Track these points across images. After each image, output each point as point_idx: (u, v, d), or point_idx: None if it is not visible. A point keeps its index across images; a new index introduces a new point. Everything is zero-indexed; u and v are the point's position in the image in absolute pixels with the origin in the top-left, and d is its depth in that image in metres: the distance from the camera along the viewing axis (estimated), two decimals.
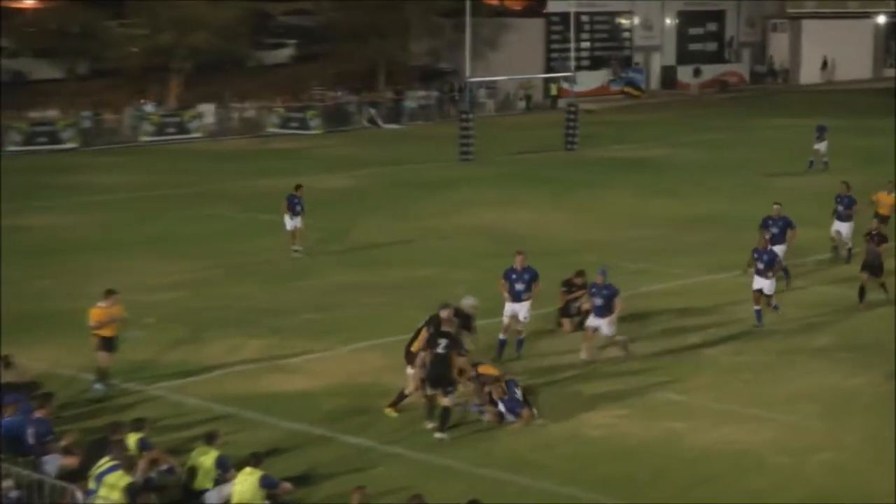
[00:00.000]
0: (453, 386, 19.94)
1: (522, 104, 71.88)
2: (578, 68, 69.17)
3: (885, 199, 32.32)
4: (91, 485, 16.11)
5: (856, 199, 31.37)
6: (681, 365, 23.44)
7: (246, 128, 61.69)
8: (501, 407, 20.29)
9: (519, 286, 23.57)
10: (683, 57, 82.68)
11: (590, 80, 74.62)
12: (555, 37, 73.80)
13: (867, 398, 21.60)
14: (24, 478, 16.36)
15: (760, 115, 68.46)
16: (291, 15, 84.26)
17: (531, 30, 74.44)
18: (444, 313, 20.50)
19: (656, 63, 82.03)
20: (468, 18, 53.22)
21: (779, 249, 27.46)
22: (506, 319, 23.61)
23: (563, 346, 24.34)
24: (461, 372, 20.29)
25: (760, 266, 25.67)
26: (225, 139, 59.43)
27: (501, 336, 23.55)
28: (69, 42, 62.82)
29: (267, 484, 16.63)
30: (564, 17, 65.84)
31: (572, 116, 54.56)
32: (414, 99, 67.18)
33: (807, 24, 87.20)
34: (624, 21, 79.84)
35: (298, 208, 32.40)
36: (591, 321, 23.34)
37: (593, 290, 23.48)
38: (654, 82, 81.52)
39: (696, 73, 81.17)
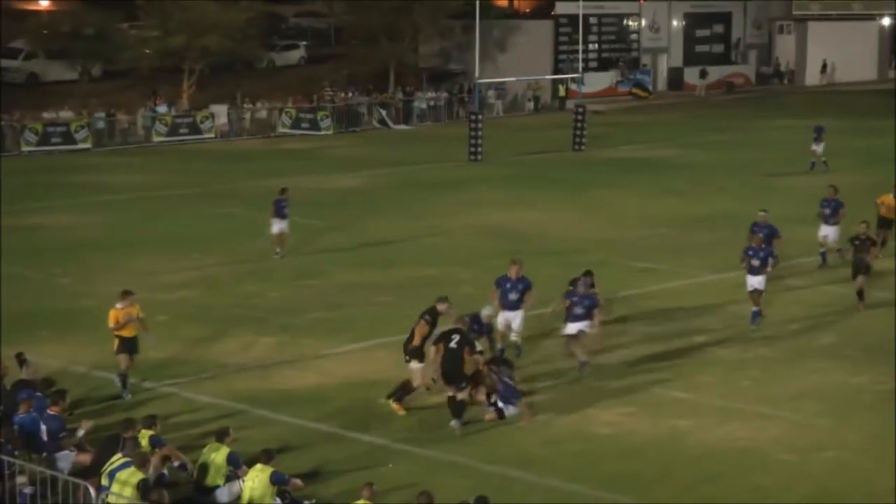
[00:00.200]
0: (466, 382, 20.12)
1: (531, 105, 71.92)
2: (586, 70, 69.51)
3: (889, 201, 32.21)
4: (104, 481, 16.24)
5: (843, 203, 30.73)
6: (687, 363, 23.58)
7: (258, 128, 61.84)
8: (499, 403, 20.40)
9: (513, 296, 23.32)
10: (690, 58, 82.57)
11: (598, 82, 74.67)
12: (563, 38, 73.76)
13: (871, 396, 21.71)
14: (38, 474, 16.43)
15: (766, 116, 68.38)
16: (303, 17, 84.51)
17: (540, 31, 74.45)
18: (441, 307, 20.91)
19: (663, 64, 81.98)
20: (477, 20, 53.53)
21: None
22: (501, 328, 23.46)
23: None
24: (476, 373, 20.47)
25: (756, 263, 25.61)
26: (237, 140, 59.66)
27: (499, 346, 23.46)
28: (83, 44, 63.03)
29: (277, 480, 16.75)
30: (573, 18, 65.81)
31: (580, 117, 54.60)
32: (424, 100, 67.29)
33: (812, 26, 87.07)
34: (631, 23, 79.81)
35: (286, 211, 32.18)
36: (569, 328, 22.85)
37: (575, 298, 22.81)
38: (662, 84, 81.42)
39: (703, 74, 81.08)
